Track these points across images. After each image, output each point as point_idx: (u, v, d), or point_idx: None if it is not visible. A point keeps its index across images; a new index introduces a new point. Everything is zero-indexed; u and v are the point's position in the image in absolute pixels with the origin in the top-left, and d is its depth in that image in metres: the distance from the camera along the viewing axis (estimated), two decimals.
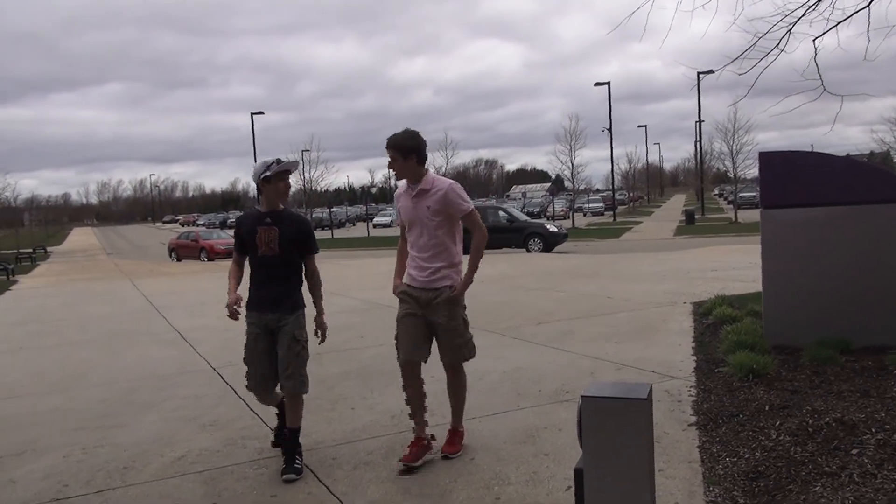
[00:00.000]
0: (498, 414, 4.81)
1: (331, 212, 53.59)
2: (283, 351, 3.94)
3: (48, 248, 45.86)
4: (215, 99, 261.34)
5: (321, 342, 4.09)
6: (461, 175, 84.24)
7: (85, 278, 20.81)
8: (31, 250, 37.66)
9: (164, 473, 4.06)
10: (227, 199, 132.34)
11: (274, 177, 3.98)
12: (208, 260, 28.94)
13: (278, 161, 4.01)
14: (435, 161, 53.09)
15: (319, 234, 46.54)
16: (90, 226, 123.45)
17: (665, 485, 3.38)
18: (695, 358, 5.96)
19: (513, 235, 23.42)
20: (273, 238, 3.95)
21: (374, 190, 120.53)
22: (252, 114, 48.80)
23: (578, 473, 2.15)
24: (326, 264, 21.08)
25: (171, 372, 6.77)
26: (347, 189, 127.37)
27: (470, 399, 5.16)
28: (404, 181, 4.07)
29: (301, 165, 48.24)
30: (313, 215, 51.30)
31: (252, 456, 4.26)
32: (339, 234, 48.41)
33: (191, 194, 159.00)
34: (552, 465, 3.82)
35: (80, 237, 73.49)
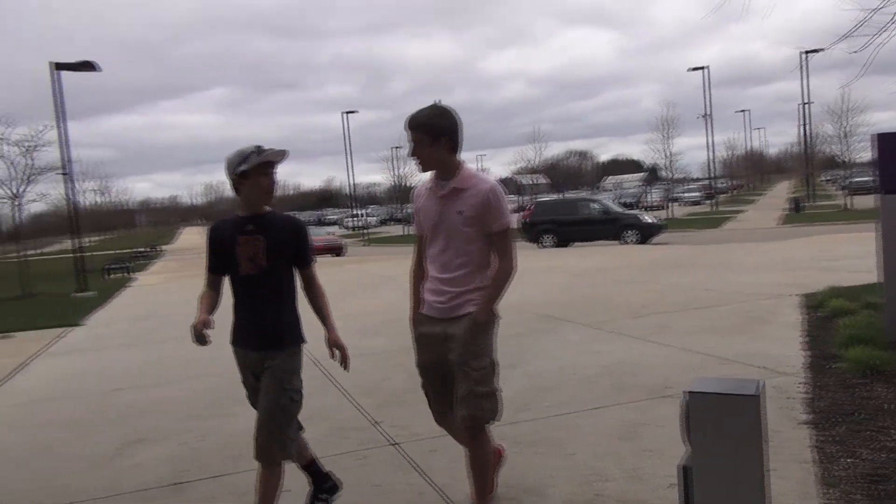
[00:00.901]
0: (596, 409, 4.74)
1: None
2: (265, 401, 3.05)
3: (161, 247, 48.67)
4: (311, 99, 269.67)
5: (345, 366, 3.24)
6: (552, 168, 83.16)
7: (195, 275, 21.94)
8: (146, 249, 40.08)
9: None
10: (323, 197, 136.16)
11: (253, 170, 3.03)
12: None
13: (258, 150, 3.07)
14: (525, 154, 52.80)
15: (412, 229, 47.43)
16: (198, 225, 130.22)
17: (777, 485, 3.23)
18: (805, 353, 5.66)
19: (607, 227, 22.97)
20: (258, 250, 3.05)
21: None
22: (344, 112, 49.96)
23: (685, 471, 2.09)
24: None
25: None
26: None
27: (567, 393, 5.13)
28: (429, 176, 3.18)
29: (393, 161, 49.11)
30: (406, 211, 52.05)
31: (354, 447, 4.38)
32: None
33: (288, 193, 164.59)
34: (654, 461, 3.73)
35: (190, 236, 77.64)
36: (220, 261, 3.18)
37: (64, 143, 19.17)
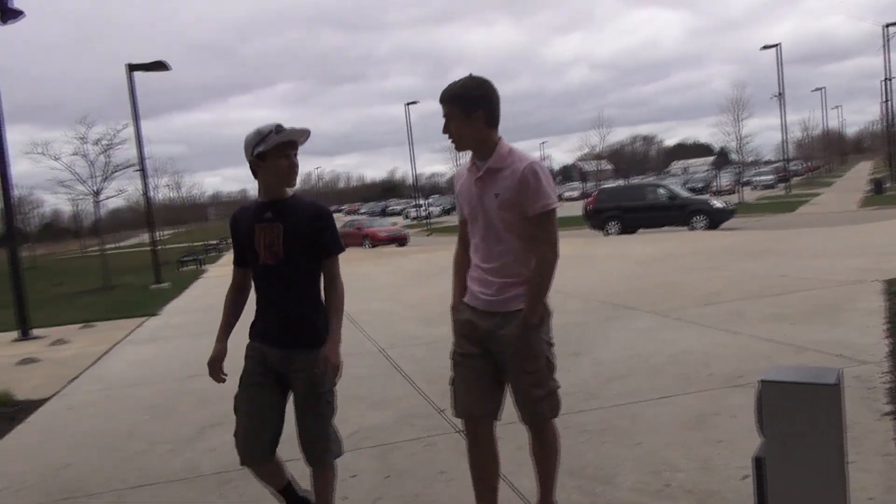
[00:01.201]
0: (664, 398, 4.64)
1: None
2: (299, 410, 2.89)
3: (230, 240, 50.07)
4: (375, 91, 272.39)
5: (329, 383, 2.88)
6: (616, 154, 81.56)
7: None
8: (216, 242, 41.39)
9: None
10: (387, 188, 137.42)
11: (271, 151, 2.79)
12: (371, 246, 30.34)
13: (278, 129, 2.81)
14: (589, 140, 52.01)
15: None
16: None
17: (858, 478, 3.11)
18: (889, 341, 5.40)
19: (674, 213, 22.43)
20: (276, 238, 2.81)
21: None
22: (406, 104, 50.22)
23: (759, 462, 2.03)
24: None
25: (341, 353, 7.17)
26: None
27: (634, 382, 5.05)
28: (467, 156, 2.89)
29: (454, 151, 49.04)
30: None
31: (420, 434, 4.42)
32: None
33: (353, 185, 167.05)
34: (726, 452, 3.63)
35: None
36: (243, 252, 2.97)
37: (139, 141, 19.93)
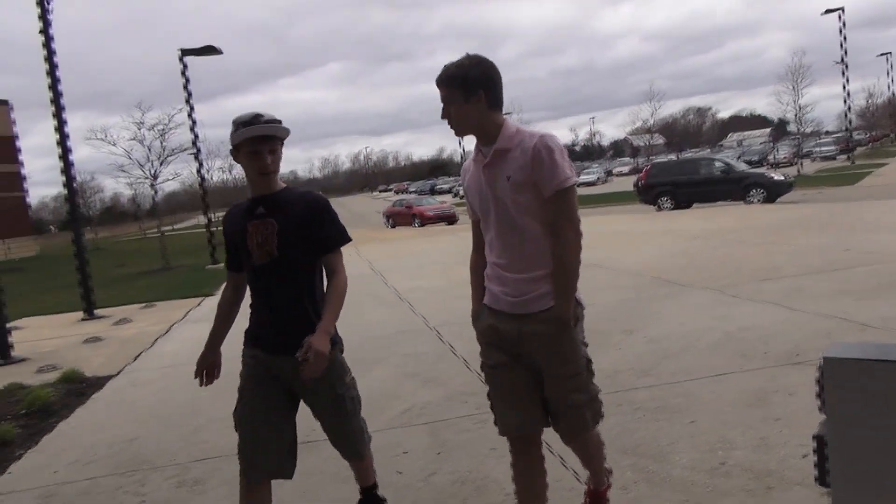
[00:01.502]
0: (720, 376, 4.56)
1: None
2: (322, 416, 2.78)
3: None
4: (423, 69, 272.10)
5: (305, 372, 2.51)
6: (668, 127, 79.68)
7: None
8: None
9: (393, 423, 4.39)
10: (435, 167, 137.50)
11: (242, 145, 2.57)
12: (420, 225, 30.48)
13: (253, 119, 2.56)
14: (640, 113, 50.92)
15: None
16: None
17: None
18: None
19: (729, 187, 21.82)
20: (269, 235, 2.59)
21: (576, 148, 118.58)
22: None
23: (821, 441, 1.97)
24: None
25: (393, 331, 7.25)
26: None
27: (689, 359, 4.97)
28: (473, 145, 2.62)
29: None
30: None
31: (472, 411, 4.45)
32: None
33: (401, 164, 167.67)
34: (784, 430, 3.55)
35: None
36: (235, 254, 2.77)
37: (192, 125, 20.36)
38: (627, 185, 32.15)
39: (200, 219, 31.23)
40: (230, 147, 2.62)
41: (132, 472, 4.05)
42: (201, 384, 2.85)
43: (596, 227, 17.21)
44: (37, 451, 4.66)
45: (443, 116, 2.54)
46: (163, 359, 7.32)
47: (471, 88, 2.44)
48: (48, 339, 9.27)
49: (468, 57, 2.50)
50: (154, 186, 23.60)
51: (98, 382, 6.44)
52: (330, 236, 2.67)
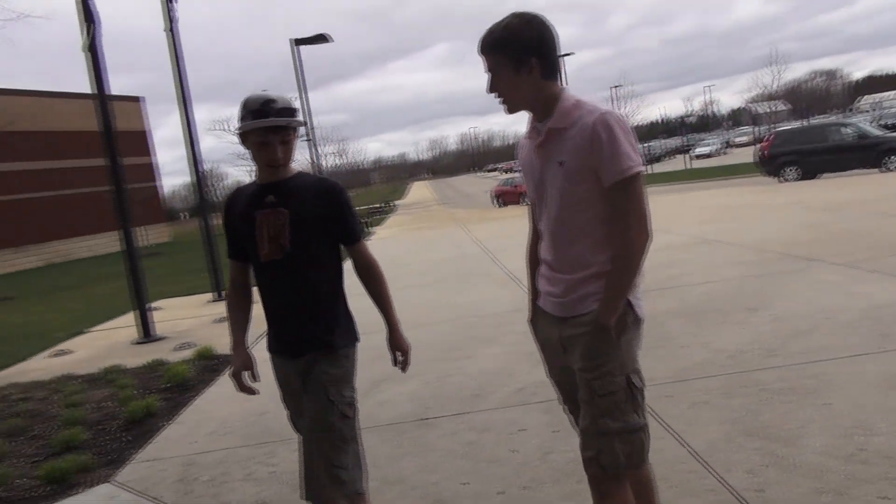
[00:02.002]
0: (856, 356, 4.27)
1: (646, 146, 51.91)
2: (308, 422, 2.40)
3: (393, 202, 52.10)
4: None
5: (404, 369, 2.69)
6: (793, 92, 74.61)
7: (425, 227, 23.24)
8: (380, 205, 43.17)
9: (508, 402, 4.42)
10: None
11: (252, 134, 2.32)
12: (528, 203, 30.35)
13: (263, 105, 2.29)
14: (761, 79, 48.00)
15: None
16: (425, 179, 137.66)
17: None
18: None
19: (863, 154, 20.21)
20: (281, 226, 2.35)
21: (691, 119, 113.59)
22: (561, 56, 49.00)
23: None
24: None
25: (505, 310, 7.27)
26: (662, 122, 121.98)
27: (820, 339, 4.69)
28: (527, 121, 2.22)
29: (613, 102, 47.34)
30: None
31: None
32: (656, 168, 46.73)
33: (508, 143, 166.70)
34: None
35: (418, 191, 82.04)
36: (240, 243, 2.48)
37: (306, 112, 21.09)
38: (747, 155, 30.46)
39: None
40: (238, 134, 2.36)
41: (263, 444, 4.30)
42: (252, 391, 2.60)
43: (714, 201, 16.47)
44: (178, 422, 5.04)
45: (489, 90, 2.15)
46: None
47: (521, 55, 2.05)
48: (183, 319, 9.96)
49: (515, 15, 2.09)
50: None
51: (228, 359, 6.86)
52: (353, 226, 2.48)
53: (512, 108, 2.17)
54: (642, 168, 2.04)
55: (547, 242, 2.23)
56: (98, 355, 7.94)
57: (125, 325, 9.86)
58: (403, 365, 2.64)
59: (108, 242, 38.89)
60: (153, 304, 9.74)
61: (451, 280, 9.94)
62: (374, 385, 5.19)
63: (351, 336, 2.51)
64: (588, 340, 2.09)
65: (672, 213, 14.94)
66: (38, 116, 35.34)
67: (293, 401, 2.54)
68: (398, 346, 2.61)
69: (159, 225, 43.27)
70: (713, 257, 8.47)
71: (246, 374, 2.56)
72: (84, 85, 8.36)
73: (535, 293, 2.37)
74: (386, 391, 5.00)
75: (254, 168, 2.48)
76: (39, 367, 7.72)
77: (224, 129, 23.46)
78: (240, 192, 2.52)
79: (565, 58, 48.43)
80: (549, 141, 2.11)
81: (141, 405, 5.17)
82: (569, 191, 2.08)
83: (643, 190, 2.04)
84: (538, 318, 2.34)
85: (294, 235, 2.36)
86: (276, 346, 2.53)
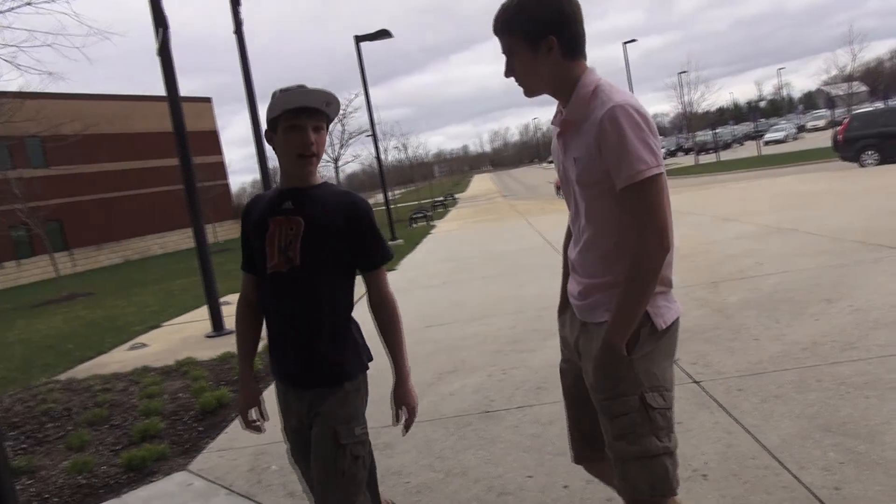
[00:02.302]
0: None
1: (714, 133, 50.38)
2: (319, 466, 2.13)
3: (455, 195, 52.19)
4: (592, 33, 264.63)
5: (406, 430, 2.29)
6: (872, 73, 70.94)
7: (487, 219, 23.20)
8: (442, 198, 43.32)
9: None
10: None
11: (281, 120, 2.09)
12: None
13: (296, 89, 2.09)
14: (837, 60, 45.87)
15: (704, 159, 44.13)
16: (486, 172, 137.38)
17: None
18: None
19: None
20: (294, 238, 2.11)
21: (762, 104, 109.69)
22: (624, 43, 47.97)
23: None
24: (714, 189, 20.01)
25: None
26: (732, 107, 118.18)
27: None
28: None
29: (679, 88, 46.13)
30: (696, 139, 48.79)
31: None
32: (725, 155, 45.34)
33: None
34: None
35: (480, 183, 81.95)
36: (250, 253, 2.26)
37: (369, 108, 21.33)
38: (823, 140, 29.21)
39: (379, 197, 32.75)
40: (266, 126, 2.15)
41: None
42: (259, 429, 2.37)
43: (788, 188, 15.87)
44: None
45: (507, 74, 1.99)
46: None
47: (538, 34, 1.86)
48: None
49: None
50: (336, 169, 25.10)
51: None
52: (373, 251, 2.20)
53: (530, 92, 2.00)
54: (658, 170, 1.78)
55: (573, 239, 2.09)
56: (172, 348, 8.25)
57: (198, 319, 10.22)
58: (407, 425, 2.25)
59: (179, 239, 40.39)
60: (223, 299, 10.04)
61: (514, 272, 9.89)
62: (439, 377, 5.22)
63: (361, 364, 2.23)
64: (598, 357, 1.92)
65: (743, 202, 14.47)
66: (116, 119, 36.92)
67: (296, 435, 2.27)
68: (404, 401, 2.24)
69: (228, 222, 44.60)
70: (788, 247, 8.16)
71: (253, 411, 2.33)
72: (159, 88, 8.67)
73: (566, 281, 2.22)
74: (450, 383, 5.02)
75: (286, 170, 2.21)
76: (119, 359, 8.08)
77: None
78: (259, 197, 2.28)
79: (627, 45, 47.40)
80: (566, 132, 1.95)
81: (213, 396, 5.34)
82: (584, 192, 1.92)
83: (660, 195, 1.80)
84: (565, 313, 2.21)
85: (305, 248, 2.10)
86: (280, 371, 2.26)
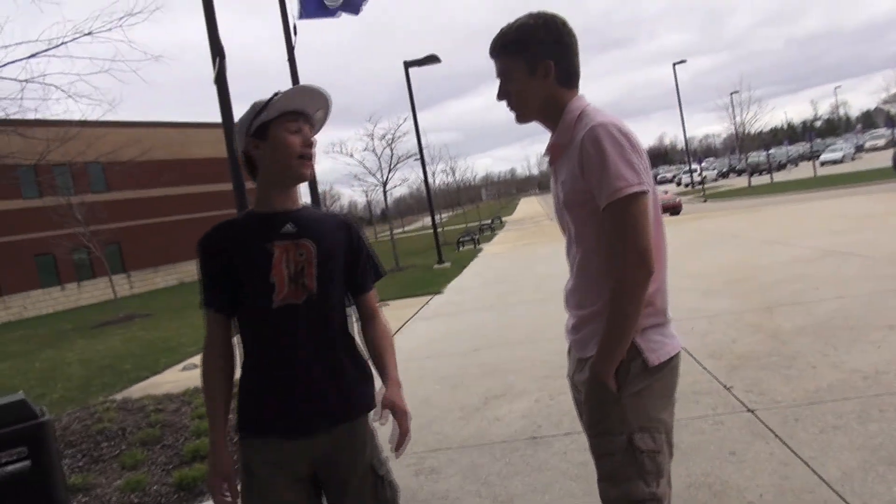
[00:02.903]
0: None
1: (768, 154, 49.32)
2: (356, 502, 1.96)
3: (503, 219, 52.15)
4: (642, 54, 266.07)
5: (398, 447, 1.93)
6: None
7: (534, 242, 23.10)
8: (489, 221, 43.34)
9: None
10: (654, 155, 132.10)
11: (276, 123, 1.92)
12: None
13: (276, 95, 1.93)
14: (891, 87, 44.50)
15: (757, 181, 43.20)
16: (534, 195, 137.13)
17: None
18: None
19: None
20: (307, 264, 1.91)
21: (818, 123, 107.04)
22: (674, 64, 47.57)
23: None
24: (767, 210, 19.53)
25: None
26: (785, 127, 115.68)
27: None
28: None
29: (732, 108, 45.40)
30: (748, 160, 47.84)
31: (706, 411, 4.21)
32: (779, 177, 44.30)
33: None
34: None
35: (527, 206, 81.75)
36: (227, 289, 1.92)
37: (417, 132, 21.56)
38: (882, 160, 28.28)
39: (427, 220, 32.96)
40: (250, 135, 1.94)
41: None
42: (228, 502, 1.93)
43: (845, 210, 15.39)
44: None
45: (499, 97, 1.97)
46: (400, 354, 7.78)
47: (536, 57, 1.86)
48: None
49: (532, 15, 1.89)
50: (385, 192, 25.38)
51: None
52: (371, 271, 2.09)
53: (523, 118, 1.97)
54: (639, 188, 1.72)
55: (569, 268, 2.02)
56: None
57: None
58: (400, 441, 1.92)
59: None
60: None
61: (562, 296, 9.78)
62: (485, 402, 5.19)
63: (372, 397, 2.03)
64: (587, 392, 1.85)
65: (796, 224, 14.09)
66: (173, 146, 38.15)
67: (287, 492, 1.92)
68: (391, 403, 1.91)
69: None
70: (844, 270, 7.90)
71: (225, 486, 1.92)
72: (214, 114, 8.93)
73: None
74: (497, 408, 4.98)
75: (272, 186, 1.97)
76: (172, 379, 8.27)
77: (339, 152, 24.26)
78: (231, 225, 1.96)
79: (677, 66, 46.96)
80: (555, 158, 1.94)
81: None
82: (572, 216, 1.89)
83: (642, 214, 1.73)
84: (570, 352, 2.08)
85: (321, 275, 1.92)
86: (279, 423, 1.90)
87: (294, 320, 1.89)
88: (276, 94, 1.92)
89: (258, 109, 1.92)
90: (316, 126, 2.01)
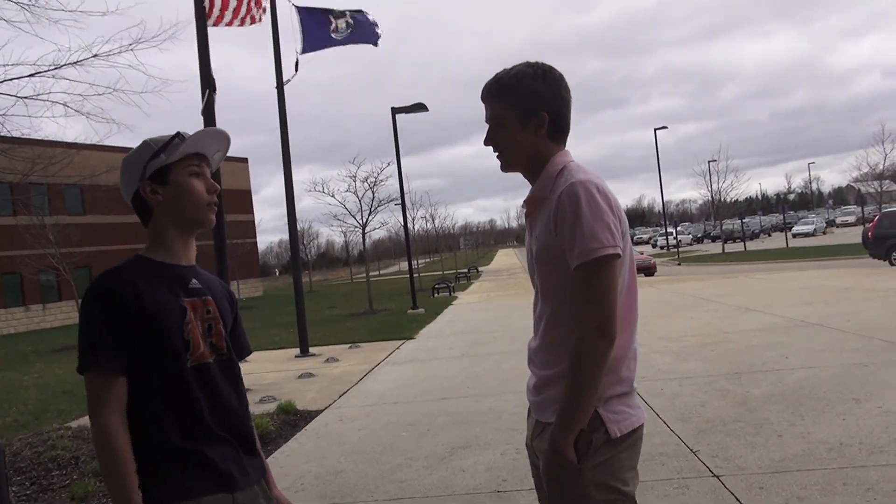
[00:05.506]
0: None
1: (742, 222, 50.31)
2: None
3: (479, 268, 52.29)
4: (633, 116, 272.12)
5: None
6: None
7: (509, 293, 23.14)
8: (466, 270, 43.43)
9: None
10: (632, 216, 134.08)
11: (178, 166, 1.79)
12: None
13: (181, 137, 1.79)
14: (869, 158, 46.04)
15: (731, 248, 43.84)
16: (511, 247, 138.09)
17: None
18: None
19: None
20: (214, 321, 1.82)
21: (791, 196, 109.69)
22: (655, 129, 48.67)
23: None
24: (740, 278, 19.82)
25: None
26: (760, 197, 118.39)
27: None
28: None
29: (709, 176, 46.39)
30: (723, 227, 48.77)
31: (671, 474, 4.19)
32: (752, 245, 45.12)
33: None
34: None
35: (504, 258, 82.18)
36: (133, 343, 1.66)
37: (400, 177, 21.71)
38: (852, 236, 28.96)
39: (403, 265, 32.89)
40: (146, 178, 1.78)
41: None
42: None
43: (815, 282, 15.68)
44: None
45: (487, 142, 1.92)
46: (367, 397, 7.74)
47: (532, 108, 1.82)
48: (269, 373, 10.21)
49: (530, 65, 1.85)
50: (364, 234, 25.38)
51: (308, 415, 6.95)
52: (245, 345, 1.98)
53: (509, 166, 1.92)
54: (613, 251, 1.68)
55: (534, 326, 1.94)
56: None
57: None
58: None
59: None
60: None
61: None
62: (451, 451, 5.12)
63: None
64: (546, 461, 1.76)
65: (769, 293, 14.29)
66: None
67: None
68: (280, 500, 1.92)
69: (253, 279, 44.99)
70: (814, 342, 8.01)
71: None
72: None
73: None
74: (463, 459, 4.91)
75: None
76: None
77: (322, 191, 24.26)
78: (131, 273, 1.74)
79: (658, 131, 48.06)
80: (531, 211, 1.89)
81: None
82: (541, 271, 1.84)
83: (610, 279, 1.68)
84: (530, 414, 1.98)
85: (225, 334, 1.85)
86: (209, 482, 1.70)
87: (210, 380, 1.77)
88: (177, 135, 1.79)
89: (155, 151, 1.79)
90: (213, 167, 1.90)
